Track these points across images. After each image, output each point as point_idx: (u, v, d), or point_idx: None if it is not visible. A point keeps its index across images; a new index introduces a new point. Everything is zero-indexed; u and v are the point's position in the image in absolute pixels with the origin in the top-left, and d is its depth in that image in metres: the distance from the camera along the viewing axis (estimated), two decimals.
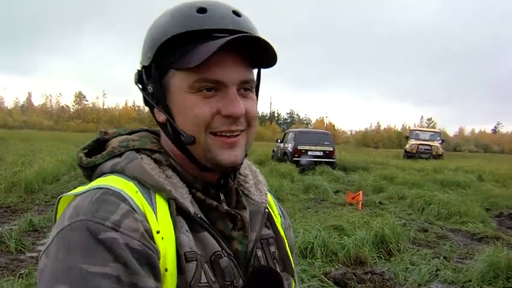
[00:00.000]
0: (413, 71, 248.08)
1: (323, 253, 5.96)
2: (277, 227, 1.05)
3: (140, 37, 0.95)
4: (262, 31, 0.95)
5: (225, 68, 0.87)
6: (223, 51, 0.84)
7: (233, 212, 0.94)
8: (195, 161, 0.92)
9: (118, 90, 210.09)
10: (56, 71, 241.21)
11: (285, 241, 1.05)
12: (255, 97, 0.96)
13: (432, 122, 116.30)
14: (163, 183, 0.87)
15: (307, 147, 20.32)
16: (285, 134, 23.44)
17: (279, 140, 23.84)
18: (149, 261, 0.78)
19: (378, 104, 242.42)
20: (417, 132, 33.73)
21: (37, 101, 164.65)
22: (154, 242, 0.80)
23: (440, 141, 31.83)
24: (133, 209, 0.81)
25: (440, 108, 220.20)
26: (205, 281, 0.83)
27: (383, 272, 5.58)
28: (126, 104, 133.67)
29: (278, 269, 0.97)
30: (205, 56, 0.82)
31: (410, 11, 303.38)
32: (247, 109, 0.90)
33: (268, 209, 1.04)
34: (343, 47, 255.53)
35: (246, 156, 0.97)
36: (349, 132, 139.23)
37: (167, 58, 0.90)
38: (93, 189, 0.84)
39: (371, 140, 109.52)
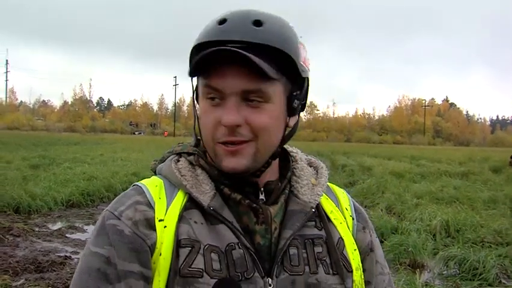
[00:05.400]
0: None
1: None
2: (335, 228, 1.03)
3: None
4: None
5: (225, 77, 0.91)
6: (228, 62, 0.89)
7: (254, 206, 0.96)
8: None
9: (348, 98, 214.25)
10: None
11: (344, 242, 1.03)
12: (274, 108, 0.94)
13: None
14: (181, 179, 0.97)
15: None
16: None
17: None
18: (135, 247, 0.90)
19: None
20: None
21: None
22: (154, 229, 0.92)
23: None
24: (145, 201, 0.95)
25: None
26: (201, 267, 0.89)
27: None
28: (356, 112, 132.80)
29: (322, 270, 0.96)
30: (193, 66, 0.91)
31: None
32: (250, 120, 0.92)
33: (319, 208, 1.04)
34: None
35: (265, 165, 0.98)
36: None
37: None
38: (132, 185, 1.03)
39: None
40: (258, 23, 0.92)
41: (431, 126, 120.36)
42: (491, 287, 5.39)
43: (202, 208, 0.95)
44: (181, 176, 0.98)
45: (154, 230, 0.92)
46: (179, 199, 0.96)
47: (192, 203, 0.96)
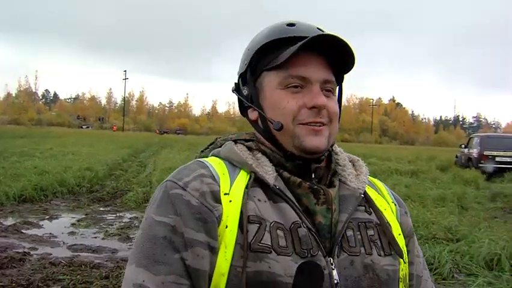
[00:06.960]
0: None
1: None
2: (382, 214, 1.08)
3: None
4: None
5: (310, 66, 1.02)
6: (309, 53, 1.01)
7: (316, 187, 1.01)
8: (282, 150, 1.05)
9: None
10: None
11: (391, 227, 1.07)
12: (336, 99, 1.08)
13: None
14: (245, 159, 1.02)
15: (495, 153, 19.80)
16: (470, 138, 22.96)
17: (463, 145, 23.25)
18: (203, 217, 0.92)
19: None
20: None
21: (222, 109, 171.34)
22: (220, 202, 0.95)
23: None
24: (209, 174, 0.99)
25: None
26: (269, 243, 0.92)
27: None
28: None
29: (375, 252, 1.01)
30: (290, 53, 0.98)
31: None
32: (328, 106, 1.02)
33: (366, 195, 1.09)
34: None
35: (331, 148, 1.12)
36: None
37: (261, 63, 1.07)
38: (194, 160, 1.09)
39: None
40: (320, 29, 1.07)
41: (378, 125, 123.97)
42: (446, 281, 5.61)
43: (264, 187, 0.99)
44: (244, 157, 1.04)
45: (220, 203, 0.95)
46: (243, 177, 1.00)
47: (254, 181, 0.99)
